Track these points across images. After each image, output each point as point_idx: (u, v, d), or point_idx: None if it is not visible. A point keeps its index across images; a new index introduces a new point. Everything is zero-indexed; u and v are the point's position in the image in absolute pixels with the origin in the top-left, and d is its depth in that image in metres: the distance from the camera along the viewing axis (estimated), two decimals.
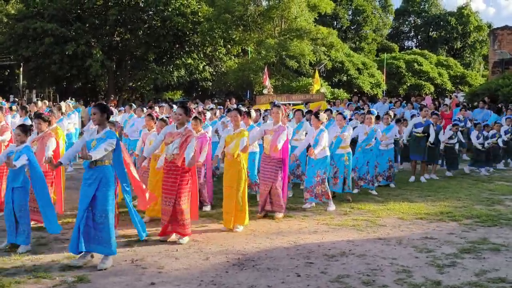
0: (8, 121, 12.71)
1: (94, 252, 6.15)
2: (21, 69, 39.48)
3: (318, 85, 22.60)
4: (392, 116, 13.14)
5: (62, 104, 16.79)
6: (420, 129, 12.74)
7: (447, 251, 6.71)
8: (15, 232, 6.68)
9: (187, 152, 6.93)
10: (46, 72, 35.48)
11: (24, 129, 6.92)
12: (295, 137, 11.13)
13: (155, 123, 9.35)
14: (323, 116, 9.41)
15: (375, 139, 10.98)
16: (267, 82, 23.11)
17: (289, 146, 9.07)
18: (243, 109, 12.16)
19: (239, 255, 6.55)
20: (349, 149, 10.05)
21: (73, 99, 20.14)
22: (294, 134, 11.07)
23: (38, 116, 8.14)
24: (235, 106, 21.81)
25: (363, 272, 5.90)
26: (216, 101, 31.63)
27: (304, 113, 12.21)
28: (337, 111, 12.54)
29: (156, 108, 12.80)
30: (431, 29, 52.58)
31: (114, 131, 7.17)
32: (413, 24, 55.48)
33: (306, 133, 10.24)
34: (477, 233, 7.71)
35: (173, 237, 7.24)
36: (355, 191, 10.73)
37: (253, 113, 10.88)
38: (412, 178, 12.71)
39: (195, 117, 9.30)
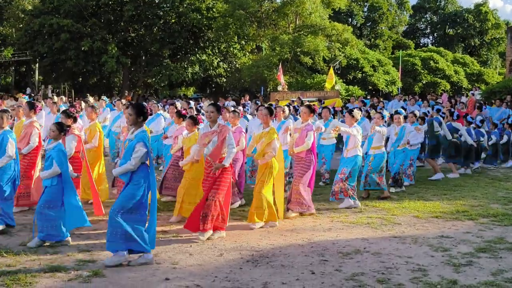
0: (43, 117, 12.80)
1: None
2: (37, 64, 39.82)
3: (331, 82, 22.49)
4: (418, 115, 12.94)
5: (91, 99, 16.81)
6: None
7: (463, 250, 6.63)
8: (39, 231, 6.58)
9: (229, 151, 6.94)
10: (61, 68, 35.77)
11: (61, 127, 6.86)
12: (323, 136, 11.03)
13: (183, 120, 9.30)
14: (357, 113, 9.36)
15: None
16: (282, 79, 23.07)
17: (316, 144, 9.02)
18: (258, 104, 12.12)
19: (253, 252, 6.53)
20: (380, 151, 9.89)
21: (104, 95, 20.11)
22: (322, 133, 10.96)
23: (63, 112, 8.19)
24: (249, 102, 21.82)
25: (378, 270, 5.85)
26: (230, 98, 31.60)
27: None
28: (366, 110, 12.43)
29: (178, 104, 12.72)
30: (447, 26, 52.11)
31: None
32: (429, 21, 55.06)
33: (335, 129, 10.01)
34: (494, 232, 7.61)
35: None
36: (392, 189, 10.60)
37: (286, 110, 10.84)
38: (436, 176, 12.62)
39: (233, 111, 9.29)
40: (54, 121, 11.37)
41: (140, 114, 6.08)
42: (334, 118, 13.34)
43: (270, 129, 7.82)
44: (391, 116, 12.13)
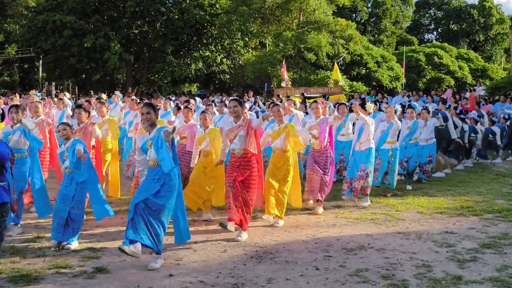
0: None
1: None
2: (41, 61, 39.86)
3: (338, 76, 22.43)
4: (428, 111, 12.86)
5: (104, 96, 16.73)
6: None
7: (467, 246, 6.61)
8: (62, 230, 6.36)
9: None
10: (65, 65, 35.79)
11: (68, 126, 6.78)
12: (342, 132, 10.96)
13: (192, 115, 9.24)
14: (369, 106, 9.29)
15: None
16: (286, 75, 23.04)
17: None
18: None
19: (257, 248, 6.53)
20: (396, 145, 9.84)
21: (117, 92, 19.95)
22: (340, 128, 10.92)
23: (79, 106, 8.13)
24: (252, 99, 21.79)
25: (382, 266, 5.84)
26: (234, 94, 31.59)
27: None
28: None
29: (192, 101, 12.68)
30: (452, 22, 51.92)
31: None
32: (433, 17, 54.87)
33: (354, 124, 9.92)
34: (498, 228, 7.59)
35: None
36: (409, 187, 10.56)
37: (297, 103, 10.81)
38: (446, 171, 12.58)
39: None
40: (59, 118, 11.42)
41: (156, 111, 6.00)
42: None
43: (286, 125, 7.75)
44: (403, 111, 12.07)
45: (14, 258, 5.92)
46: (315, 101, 8.92)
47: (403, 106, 12.76)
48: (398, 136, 10.36)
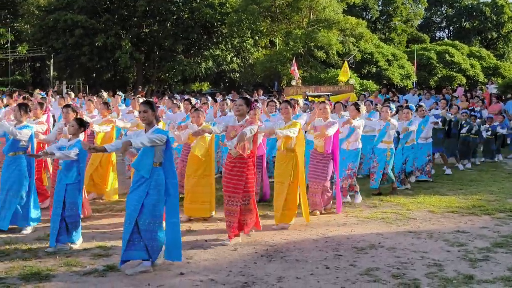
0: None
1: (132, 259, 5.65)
2: (52, 60, 40.08)
3: (346, 76, 22.33)
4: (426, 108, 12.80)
5: (105, 94, 16.75)
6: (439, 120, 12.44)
7: (479, 245, 6.57)
8: (56, 234, 6.25)
9: (243, 131, 6.50)
10: (75, 64, 35.93)
11: (81, 123, 6.61)
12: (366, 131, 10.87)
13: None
14: (363, 108, 9.31)
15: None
16: (296, 73, 22.96)
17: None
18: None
19: (267, 247, 6.53)
20: (392, 145, 9.82)
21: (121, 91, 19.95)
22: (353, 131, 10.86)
23: (67, 106, 8.01)
24: (262, 97, 21.76)
25: (393, 265, 5.82)
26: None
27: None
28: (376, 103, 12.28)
29: (193, 100, 12.58)
30: (463, 20, 51.50)
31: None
32: (445, 15, 54.45)
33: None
34: (510, 227, 7.53)
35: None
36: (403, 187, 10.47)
37: (301, 102, 10.74)
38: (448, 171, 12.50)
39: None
40: (58, 116, 11.43)
41: (154, 110, 5.81)
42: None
43: (292, 122, 7.61)
44: (397, 111, 11.89)
45: (26, 256, 5.96)
46: (323, 102, 8.83)
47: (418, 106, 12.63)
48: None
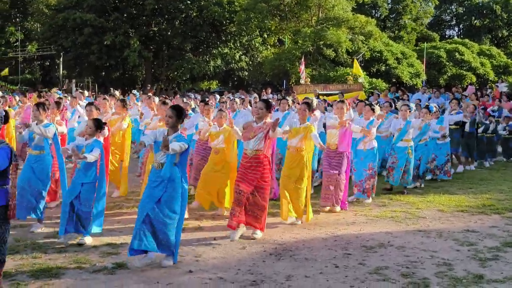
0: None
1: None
2: (61, 59, 40.29)
3: (359, 71, 22.23)
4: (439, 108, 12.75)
5: (117, 93, 16.82)
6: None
7: (489, 245, 6.53)
8: (65, 224, 6.39)
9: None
10: (85, 62, 36.09)
11: (98, 124, 6.71)
12: (380, 129, 10.77)
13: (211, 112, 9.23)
14: (377, 108, 9.31)
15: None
16: (303, 72, 22.93)
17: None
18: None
19: (276, 245, 6.52)
20: (412, 143, 9.85)
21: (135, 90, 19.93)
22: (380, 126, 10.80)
23: (90, 104, 8.11)
24: (270, 96, 21.74)
25: (403, 264, 5.80)
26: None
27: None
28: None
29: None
30: (474, 18, 51.15)
31: None
32: (455, 13, 54.11)
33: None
34: None
35: (243, 229, 6.94)
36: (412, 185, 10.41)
37: (315, 101, 10.69)
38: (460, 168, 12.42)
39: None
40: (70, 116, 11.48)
41: (180, 117, 5.87)
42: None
43: (307, 125, 7.60)
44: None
45: (36, 254, 5.99)
46: (342, 101, 8.79)
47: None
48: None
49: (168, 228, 5.65)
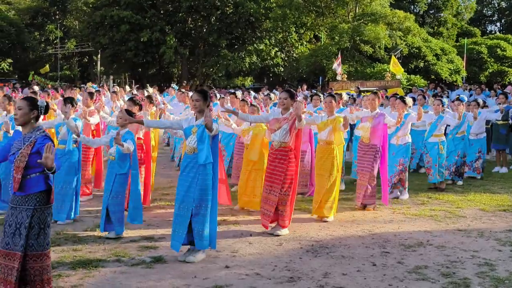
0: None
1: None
2: (99, 56, 41.03)
3: (399, 70, 21.92)
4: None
5: (150, 89, 17.03)
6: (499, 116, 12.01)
7: None
8: (105, 221, 6.49)
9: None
10: (122, 59, 36.66)
11: (129, 114, 6.71)
12: (417, 124, 10.62)
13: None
14: (409, 100, 9.14)
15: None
16: (336, 67, 22.73)
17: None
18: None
19: (313, 242, 6.47)
20: (444, 138, 9.70)
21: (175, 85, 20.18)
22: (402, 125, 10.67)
23: (130, 99, 8.24)
24: (306, 92, 21.63)
25: (442, 263, 5.67)
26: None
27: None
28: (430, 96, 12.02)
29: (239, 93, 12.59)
30: None
31: None
32: (497, 8, 52.76)
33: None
34: None
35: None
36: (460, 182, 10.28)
37: (345, 97, 10.63)
38: (497, 169, 12.09)
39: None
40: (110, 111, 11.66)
41: (206, 100, 5.87)
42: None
43: (335, 117, 7.54)
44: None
45: (76, 246, 6.10)
46: (375, 93, 8.66)
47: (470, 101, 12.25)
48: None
49: (203, 217, 5.68)
